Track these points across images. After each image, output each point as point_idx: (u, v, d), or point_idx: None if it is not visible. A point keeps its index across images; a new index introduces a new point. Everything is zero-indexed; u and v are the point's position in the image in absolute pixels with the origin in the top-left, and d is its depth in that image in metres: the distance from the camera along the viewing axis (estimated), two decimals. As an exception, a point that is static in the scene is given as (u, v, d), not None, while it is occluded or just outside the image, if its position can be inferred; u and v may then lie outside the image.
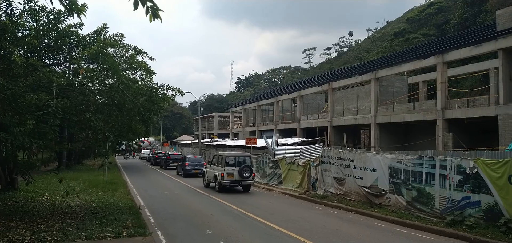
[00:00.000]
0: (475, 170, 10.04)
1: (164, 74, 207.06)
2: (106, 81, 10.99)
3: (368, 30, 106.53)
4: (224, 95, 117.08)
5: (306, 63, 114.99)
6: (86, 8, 8.22)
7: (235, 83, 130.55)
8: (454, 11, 48.59)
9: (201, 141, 43.78)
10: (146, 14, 4.29)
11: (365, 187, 13.79)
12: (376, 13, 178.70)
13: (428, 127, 23.41)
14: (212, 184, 19.78)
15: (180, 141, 65.49)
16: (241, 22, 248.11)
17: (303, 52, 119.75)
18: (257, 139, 28.36)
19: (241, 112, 53.33)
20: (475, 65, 28.54)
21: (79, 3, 5.39)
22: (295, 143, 24.54)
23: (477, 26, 33.86)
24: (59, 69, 12.09)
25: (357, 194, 14.26)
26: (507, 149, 11.04)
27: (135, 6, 4.18)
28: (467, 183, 10.23)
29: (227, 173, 18.14)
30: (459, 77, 31.39)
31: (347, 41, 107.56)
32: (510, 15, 19.33)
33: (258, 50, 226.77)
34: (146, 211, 12.52)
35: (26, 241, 7.71)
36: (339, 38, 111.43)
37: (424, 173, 11.53)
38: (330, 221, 11.56)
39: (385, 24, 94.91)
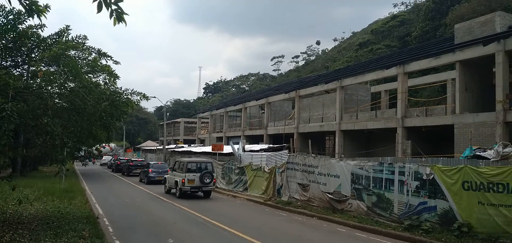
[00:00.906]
0: (432, 176, 10.48)
1: (130, 78, 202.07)
2: (66, 85, 10.54)
3: (335, 39, 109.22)
4: (191, 101, 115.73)
5: (274, 70, 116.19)
6: (49, 9, 7.88)
7: (203, 88, 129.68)
8: (415, 24, 50.85)
9: (166, 147, 42.96)
10: (110, 17, 4.16)
11: (329, 193, 14.04)
12: (342, 24, 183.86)
13: (389, 134, 24.23)
14: (173, 190, 19.78)
15: (144, 147, 63.82)
16: (211, 28, 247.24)
17: (271, 60, 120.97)
18: (224, 146, 28.18)
19: (208, 118, 52.89)
20: (433, 76, 29.92)
21: (41, 4, 5.15)
22: (261, 150, 24.60)
23: (436, 38, 35.59)
24: (17, 71, 11.49)
25: (320, 200, 14.48)
26: (462, 157, 11.60)
27: (99, 9, 4.04)
28: (424, 188, 10.65)
29: (188, 179, 18.19)
30: (419, 87, 32.80)
31: (315, 50, 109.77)
32: (467, 29, 20.46)
33: (227, 56, 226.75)
34: (105, 220, 12.06)
35: (-29, 254, 7.20)
36: (307, 47, 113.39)
37: (384, 179, 11.89)
38: (294, 227, 11.64)
39: (351, 34, 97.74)
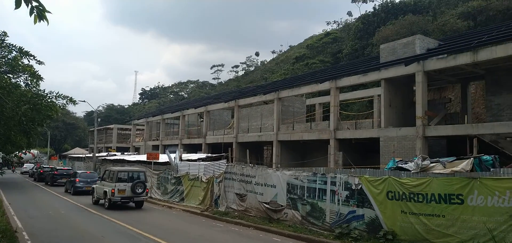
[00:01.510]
0: (360, 186, 11.12)
1: (57, 80, 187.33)
2: (-20, 84, 9.45)
3: (273, 52, 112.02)
4: (126, 106, 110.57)
5: (214, 79, 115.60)
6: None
7: (139, 94, 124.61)
8: (346, 42, 54.09)
9: (97, 155, 40.47)
10: (31, 15, 3.83)
11: (265, 203, 14.22)
12: (280, 37, 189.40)
13: (323, 145, 25.32)
14: (101, 201, 18.74)
15: (71, 154, 59.54)
16: (148, 32, 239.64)
17: (211, 68, 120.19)
18: (160, 154, 27.29)
19: (144, 125, 50.90)
20: (362, 92, 31.96)
21: None
22: (199, 159, 24.25)
23: (365, 56, 38.17)
24: None
25: (257, 210, 14.61)
26: (386, 168, 12.46)
27: (17, 5, 3.70)
28: (353, 198, 11.25)
29: (118, 189, 17.44)
30: (349, 102, 34.79)
31: (254, 61, 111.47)
32: (391, 49, 22.21)
33: (165, 62, 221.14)
34: (24, 235, 10.97)
35: None
36: (247, 57, 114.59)
37: (317, 189, 12.36)
38: (230, 238, 11.58)
39: (288, 48, 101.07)
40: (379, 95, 25.53)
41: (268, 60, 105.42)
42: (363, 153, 24.33)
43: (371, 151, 23.36)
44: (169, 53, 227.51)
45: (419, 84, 19.03)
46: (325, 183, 12.10)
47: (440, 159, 10.71)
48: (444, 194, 9.30)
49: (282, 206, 13.56)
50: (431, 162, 10.57)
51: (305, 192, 12.70)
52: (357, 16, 64.34)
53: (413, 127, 19.04)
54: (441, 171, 9.93)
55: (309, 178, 12.73)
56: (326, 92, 30.07)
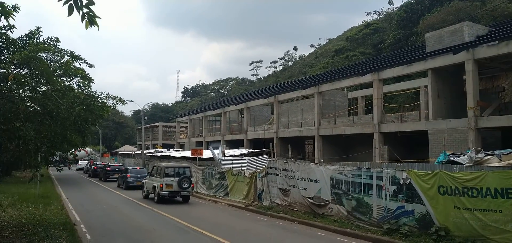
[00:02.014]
0: (408, 181, 10.75)
1: (106, 82, 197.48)
2: (38, 88, 10.20)
3: (312, 46, 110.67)
4: (169, 105, 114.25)
5: (253, 75, 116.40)
6: (18, 10, 7.61)
7: (182, 92, 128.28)
8: (388, 32, 52.25)
9: (145, 151, 42.23)
10: (82, 21, 4.06)
11: (309, 198, 14.16)
12: (319, 30, 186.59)
13: (367, 139, 24.71)
14: (151, 196, 19.53)
15: (122, 151, 62.50)
16: (188, 32, 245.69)
17: (250, 64, 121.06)
18: (204, 150, 27.96)
19: (187, 123, 52.37)
20: (407, 83, 30.78)
21: (9, 5, 4.97)
22: (242, 154, 24.56)
23: (409, 46, 36.67)
24: (-14, 74, 11.03)
25: (301, 204, 14.58)
26: (437, 162, 11.94)
27: (70, 12, 3.95)
28: (401, 193, 10.91)
29: (166, 184, 18.09)
30: (393, 94, 33.65)
31: (292, 56, 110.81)
32: (437, 38, 21.17)
33: (205, 61, 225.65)
34: (82, 227, 11.73)
35: None
36: (285, 52, 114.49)
37: (362, 183, 12.11)
38: (275, 232, 11.67)
39: (327, 41, 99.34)
40: (425, 86, 24.46)
41: (306, 54, 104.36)
42: (409, 146, 23.47)
43: (418, 144, 22.48)
44: (209, 52, 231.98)
45: (470, 73, 18.02)
46: (371, 177, 11.82)
47: (495, 152, 10.13)
48: (500, 188, 8.78)
49: (326, 201, 13.44)
50: (486, 155, 10.03)
51: (350, 187, 12.49)
52: (399, 5, 62.01)
53: (464, 119, 18.09)
54: (496, 164, 9.40)
55: (353, 172, 12.50)
56: (369, 85, 29.29)
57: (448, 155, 11.95)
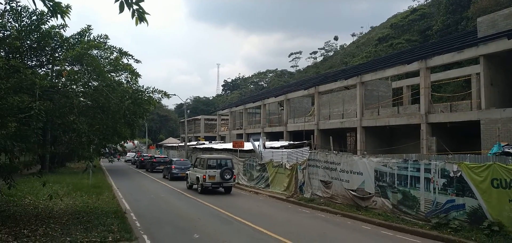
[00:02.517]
0: (459, 173, 10.23)
1: (150, 76, 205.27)
2: (90, 83, 10.79)
3: (353, 35, 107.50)
4: (210, 98, 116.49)
5: (292, 66, 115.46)
6: (70, 10, 8.06)
7: (222, 86, 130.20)
8: (436, 18, 49.62)
9: (188, 144, 43.46)
10: (132, 17, 4.22)
11: (352, 190, 13.90)
12: (361, 19, 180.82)
13: (412, 130, 23.78)
14: (194, 186, 20.06)
15: (166, 144, 64.77)
16: (228, 25, 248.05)
17: (289, 56, 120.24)
18: (244, 142, 28.29)
19: (227, 115, 53.20)
20: (457, 71, 29.18)
21: (63, 4, 5.27)
22: (282, 146, 24.58)
23: (459, 32, 34.65)
24: (42, 71, 11.81)
25: (343, 197, 14.36)
26: (490, 153, 11.29)
27: (121, 9, 4.12)
28: (451, 186, 10.41)
29: (208, 175, 18.54)
30: (442, 82, 32.02)
31: (333, 46, 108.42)
32: (490, 22, 19.84)
33: (244, 53, 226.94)
34: (132, 215, 12.32)
35: (8, 247, 7.49)
36: (325, 43, 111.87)
37: (409, 176, 11.68)
38: (318, 224, 11.59)
39: (370, 29, 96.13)
40: (477, 74, 23.12)
41: (347, 43, 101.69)
42: (459, 137, 22.30)
43: (469, 135, 21.33)
44: (248, 44, 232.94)
45: (528, 59, 16.73)
46: (418, 170, 11.37)
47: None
48: None
49: (370, 193, 13.12)
50: (547, 146, 9.30)
51: (396, 179, 12.10)
52: (449, -12, 58.40)
53: (521, 107, 16.87)
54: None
55: (399, 165, 12.08)
56: (415, 74, 28.10)
57: (503, 146, 11.26)
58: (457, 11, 42.01)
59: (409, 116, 23.64)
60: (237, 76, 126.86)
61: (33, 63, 11.04)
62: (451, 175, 10.43)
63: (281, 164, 19.20)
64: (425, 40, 45.12)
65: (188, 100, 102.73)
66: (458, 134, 22.40)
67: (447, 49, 21.94)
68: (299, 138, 30.89)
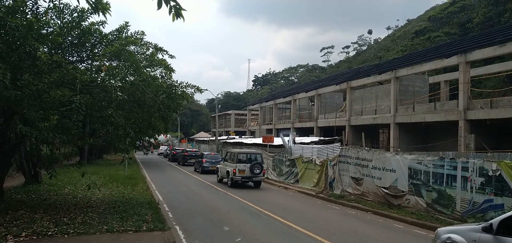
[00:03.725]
0: (498, 172, 9.78)
1: (182, 71, 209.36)
2: (127, 78, 11.16)
3: (388, 28, 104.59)
4: (241, 93, 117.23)
5: (324, 61, 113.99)
6: (110, 7, 8.39)
7: (252, 81, 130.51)
8: (477, 10, 47.28)
9: (218, 138, 44.06)
10: (169, 14, 4.33)
11: (384, 188, 13.62)
12: (396, 11, 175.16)
13: (449, 127, 22.87)
14: (225, 180, 20.36)
15: (197, 138, 65.99)
16: (259, 20, 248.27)
17: (321, 51, 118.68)
18: (274, 137, 28.32)
19: (258, 110, 53.35)
20: (499, 65, 27.72)
21: (104, 1, 5.49)
22: (312, 142, 24.40)
23: (501, 25, 32.85)
24: (82, 66, 12.36)
25: (375, 194, 14.09)
26: (533, 152, 10.69)
27: (159, 6, 4.23)
28: (489, 185, 9.98)
29: (239, 169, 18.76)
30: (482, 77, 30.56)
31: (366, 40, 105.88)
32: (537, 13, 18.70)
33: (275, 48, 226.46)
34: (165, 207, 12.72)
35: (50, 233, 7.96)
36: (358, 37, 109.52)
37: (445, 174, 11.30)
38: (348, 221, 11.47)
39: (406, 22, 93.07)
40: (521, 68, 21.82)
41: (382, 37, 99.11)
42: (500, 135, 21.23)
43: (510, 133, 20.25)
44: (279, 39, 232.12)
45: None
46: (455, 168, 10.96)
47: None
48: None
49: (403, 191, 12.80)
50: None
51: (431, 177, 11.73)
52: (491, -22, 55.40)
53: None
54: None
55: (435, 163, 11.70)
56: (453, 68, 26.98)
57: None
58: (500, 2, 39.83)
59: (447, 112, 22.75)
60: (268, 71, 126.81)
61: (74, 59, 11.58)
62: (489, 173, 9.99)
63: (311, 159, 19.08)
64: (465, 33, 43.14)
65: (219, 95, 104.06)
66: (498, 132, 21.31)
67: (489, 43, 20.88)
68: (330, 134, 30.50)
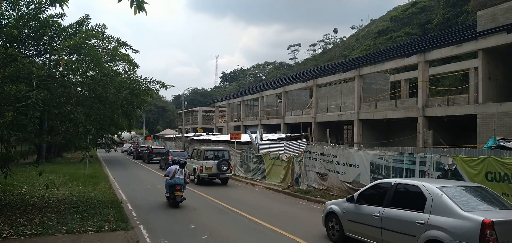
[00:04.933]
0: (454, 167, 10.32)
1: (148, 67, 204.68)
2: (87, 73, 10.76)
3: (353, 27, 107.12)
4: (208, 89, 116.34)
5: (291, 59, 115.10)
6: (69, -1, 8.04)
7: (220, 77, 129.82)
8: (436, 11, 49.51)
9: (185, 135, 43.50)
10: (131, 7, 4.22)
11: (348, 183, 14.00)
12: (360, 11, 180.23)
13: (409, 124, 23.87)
14: (191, 177, 19.97)
15: (163, 135, 64.79)
16: (227, 16, 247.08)
17: (288, 48, 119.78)
18: (242, 134, 28.35)
19: (225, 107, 53.19)
20: (455, 65, 29.21)
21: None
22: (279, 139, 24.66)
23: (458, 26, 34.61)
24: (40, 60, 11.80)
25: (339, 189, 14.46)
26: (485, 147, 11.36)
27: (119, -1, 4.12)
28: (446, 179, 10.49)
29: (205, 166, 18.65)
30: (440, 76, 32.06)
31: (332, 38, 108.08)
32: (490, 16, 19.83)
33: (243, 45, 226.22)
34: (129, 205, 12.40)
35: (5, 235, 7.55)
36: (324, 35, 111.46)
37: (404, 169, 11.78)
38: (313, 216, 11.67)
39: (369, 22, 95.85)
40: (475, 68, 23.16)
41: (347, 36, 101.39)
42: (456, 131, 22.41)
43: (465, 129, 21.43)
44: (247, 36, 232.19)
45: (526, 53, 16.76)
46: (414, 163, 11.46)
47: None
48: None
49: (365, 186, 13.20)
50: (542, 140, 9.37)
51: (391, 172, 12.19)
52: (449, -18, 58.16)
53: (517, 102, 16.94)
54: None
55: (395, 158, 12.17)
56: (413, 67, 28.15)
57: (498, 140, 11.33)
58: (457, 4, 41.91)
59: (407, 109, 23.72)
60: (236, 68, 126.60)
61: (31, 52, 11.01)
62: (446, 168, 10.52)
63: (278, 156, 19.27)
64: (424, 33, 45.07)
65: (186, 92, 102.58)
66: (455, 128, 22.50)
67: (446, 43, 21.95)
68: (297, 130, 30.97)
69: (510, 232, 5.78)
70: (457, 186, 7.05)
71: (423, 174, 11.12)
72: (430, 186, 6.74)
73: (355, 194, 8.32)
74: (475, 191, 6.95)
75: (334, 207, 8.75)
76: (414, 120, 22.61)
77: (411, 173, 11.50)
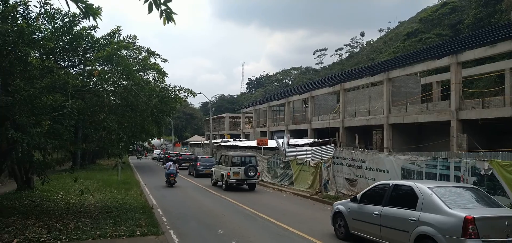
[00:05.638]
0: (490, 171, 9.89)
1: (176, 75, 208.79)
2: (120, 83, 11.11)
3: (380, 30, 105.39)
4: (235, 96, 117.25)
5: (317, 63, 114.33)
6: (101, 11, 8.36)
7: (246, 84, 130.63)
8: (468, 11, 47.79)
9: (213, 141, 43.98)
10: (160, 18, 4.32)
11: (378, 189, 13.67)
12: (388, 13, 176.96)
13: (442, 128, 23.08)
14: (219, 183, 20.32)
15: (191, 141, 65.82)
16: (252, 24, 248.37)
17: (314, 53, 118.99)
18: (268, 140, 28.34)
19: (252, 113, 53.38)
20: (490, 66, 28.05)
21: (94, 6, 5.47)
22: (306, 144, 24.47)
23: (491, 25, 33.25)
24: (74, 71, 12.31)
25: (369, 195, 14.14)
26: (524, 151, 10.82)
27: (150, 10, 4.22)
28: (482, 184, 10.06)
29: (233, 172, 18.74)
30: (474, 78, 30.88)
31: (359, 42, 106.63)
32: (526, 14, 18.96)
33: (268, 51, 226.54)
34: (159, 211, 12.64)
35: (42, 239, 7.87)
36: (351, 39, 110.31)
37: (438, 174, 11.39)
38: (342, 223, 11.48)
39: (398, 24, 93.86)
40: (511, 68, 22.12)
41: (374, 39, 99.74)
42: (492, 135, 21.49)
43: (502, 132, 20.53)
44: (272, 42, 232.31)
45: None
46: (448, 168, 11.07)
47: None
48: None
49: (396, 192, 12.87)
50: None
51: (424, 177, 11.82)
52: (481, -20, 56.09)
53: (560, 103, 16.02)
54: None
55: (427, 163, 11.80)
56: (445, 69, 27.25)
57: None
58: (490, 4, 40.31)
59: (439, 112, 22.96)
60: (262, 74, 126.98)
61: (66, 64, 11.52)
62: (482, 173, 10.09)
63: (305, 161, 19.12)
64: (456, 34, 43.57)
65: (213, 99, 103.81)
66: (490, 131, 21.56)
67: (479, 43, 21.14)
68: (324, 135, 30.62)
69: (490, 227, 6.38)
70: (449, 186, 7.78)
71: (458, 179, 10.71)
72: (421, 186, 7.44)
73: (359, 195, 8.96)
74: (465, 191, 7.56)
75: (341, 207, 9.35)
76: (447, 124, 21.86)
77: (445, 179, 11.10)
